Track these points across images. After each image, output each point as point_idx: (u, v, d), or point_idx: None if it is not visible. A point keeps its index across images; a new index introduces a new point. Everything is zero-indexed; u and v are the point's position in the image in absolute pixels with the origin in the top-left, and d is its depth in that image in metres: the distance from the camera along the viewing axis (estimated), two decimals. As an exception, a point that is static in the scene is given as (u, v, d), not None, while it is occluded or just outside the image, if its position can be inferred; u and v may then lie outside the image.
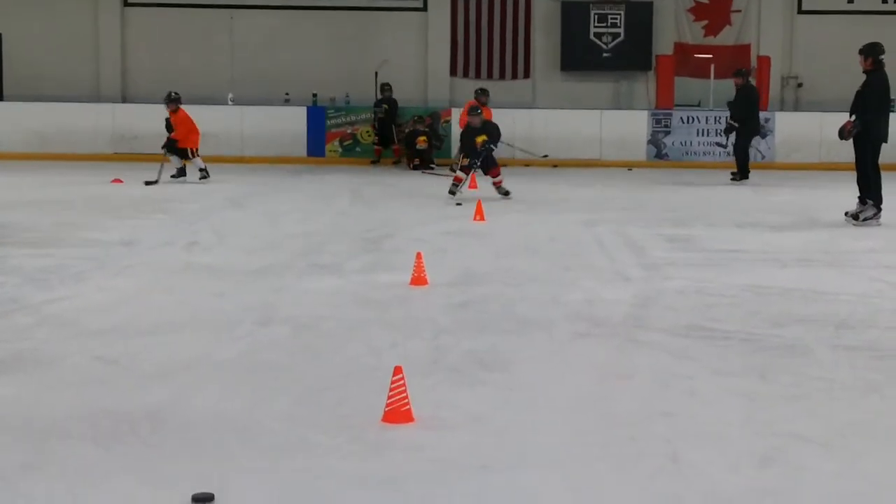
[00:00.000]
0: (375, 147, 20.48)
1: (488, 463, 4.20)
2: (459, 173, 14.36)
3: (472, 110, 14.75)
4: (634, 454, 4.31)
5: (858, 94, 11.92)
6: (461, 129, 15.31)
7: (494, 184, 14.29)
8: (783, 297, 7.72)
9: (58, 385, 5.28)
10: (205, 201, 13.82)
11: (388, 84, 20.63)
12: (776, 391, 5.32)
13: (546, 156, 19.04)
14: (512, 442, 4.48)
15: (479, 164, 14.17)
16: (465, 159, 14.27)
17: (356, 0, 22.29)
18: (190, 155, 16.82)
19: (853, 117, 11.92)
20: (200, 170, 16.64)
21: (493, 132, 14.31)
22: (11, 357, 5.79)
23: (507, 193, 14.20)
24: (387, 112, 20.28)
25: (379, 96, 20.64)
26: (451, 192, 13.99)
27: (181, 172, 16.76)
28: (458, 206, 13.12)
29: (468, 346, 6.13)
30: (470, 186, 15.52)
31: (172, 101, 17.06)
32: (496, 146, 14.44)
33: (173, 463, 4.16)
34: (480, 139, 13.99)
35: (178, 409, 4.87)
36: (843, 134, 11.96)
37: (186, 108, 17.20)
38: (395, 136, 20.34)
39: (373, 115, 20.53)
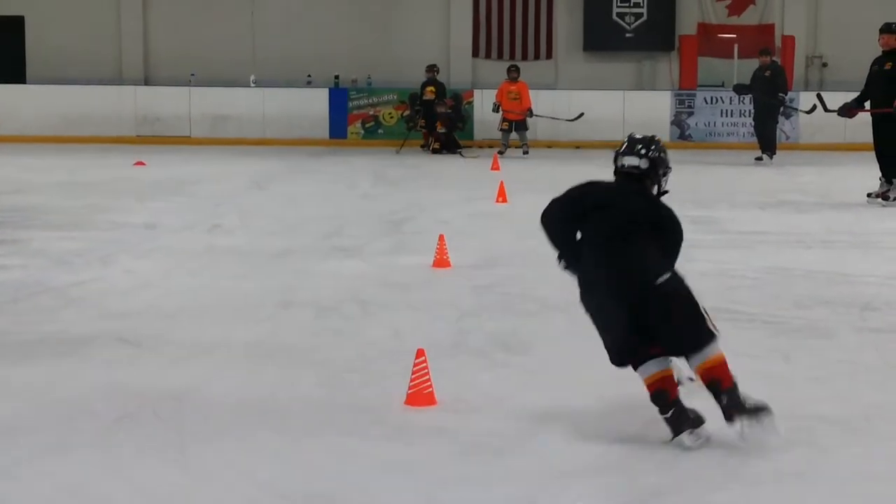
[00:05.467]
0: (423, 131, 19.42)
1: (510, 445, 4.21)
2: None
3: None
4: (656, 436, 4.30)
5: (889, 75, 11.79)
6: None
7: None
8: (807, 279, 7.69)
9: (83, 367, 5.32)
10: (227, 184, 13.85)
11: (435, 65, 19.88)
12: (799, 373, 5.31)
13: (582, 114, 18.97)
14: (534, 424, 4.48)
15: None
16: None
17: (378, -19, 22.25)
18: None
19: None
20: None
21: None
22: (37, 339, 5.83)
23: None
24: (436, 94, 19.55)
25: (425, 78, 19.69)
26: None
27: None
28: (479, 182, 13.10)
29: (491, 329, 6.14)
30: (492, 168, 15.53)
31: None
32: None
33: (197, 444, 4.19)
34: None
35: (202, 391, 4.90)
36: (845, 112, 12.07)
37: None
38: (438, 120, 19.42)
39: (416, 98, 19.70)
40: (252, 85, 21.31)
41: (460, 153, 18.54)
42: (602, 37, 22.21)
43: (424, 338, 5.75)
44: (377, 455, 4.10)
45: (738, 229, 10.12)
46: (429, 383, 4.69)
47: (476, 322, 6.30)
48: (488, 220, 10.67)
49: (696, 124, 20.77)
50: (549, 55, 22.38)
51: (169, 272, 7.88)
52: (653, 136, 4.76)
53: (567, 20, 22.33)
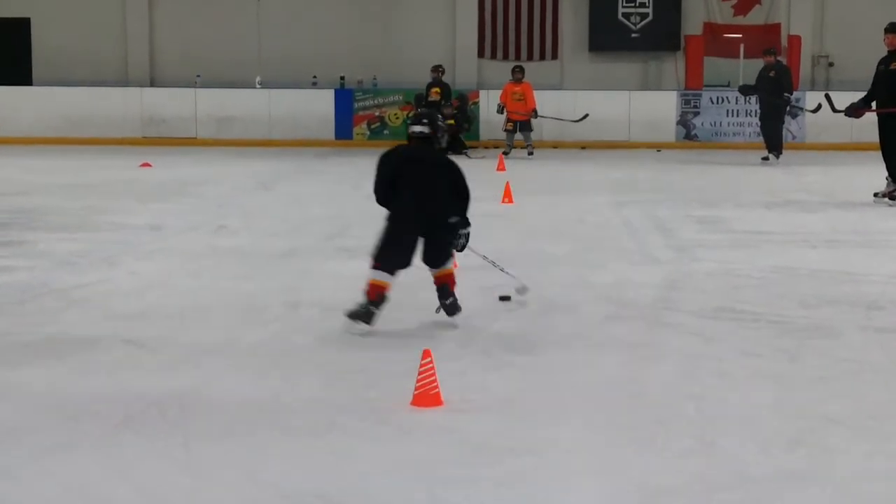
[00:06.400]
0: None
1: (516, 446, 4.20)
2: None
3: None
4: (663, 437, 4.30)
5: (893, 74, 11.78)
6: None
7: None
8: (812, 279, 7.68)
9: (87, 368, 5.32)
10: (232, 185, 13.85)
11: (441, 66, 19.90)
12: (805, 373, 5.29)
13: (587, 115, 18.95)
14: (540, 424, 4.47)
15: None
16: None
17: (383, -18, 22.26)
18: None
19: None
20: None
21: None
22: (42, 340, 5.83)
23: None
24: (441, 95, 19.53)
25: (430, 79, 19.66)
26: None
27: None
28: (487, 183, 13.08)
29: (497, 329, 6.13)
30: (498, 168, 15.53)
31: None
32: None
33: (201, 445, 4.18)
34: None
35: (207, 393, 4.89)
36: (852, 112, 12.08)
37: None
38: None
39: (422, 98, 19.58)
40: (258, 86, 21.32)
41: (466, 154, 18.51)
42: (607, 37, 22.19)
43: (430, 338, 5.75)
44: (383, 455, 4.09)
45: (744, 229, 10.11)
46: (435, 384, 4.68)
47: (482, 322, 6.29)
48: (494, 221, 10.63)
49: (702, 124, 20.75)
50: (554, 55, 22.37)
51: (173, 273, 7.88)
52: (431, 111, 6.81)
53: (572, 20, 22.32)
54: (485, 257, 7.04)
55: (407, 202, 6.21)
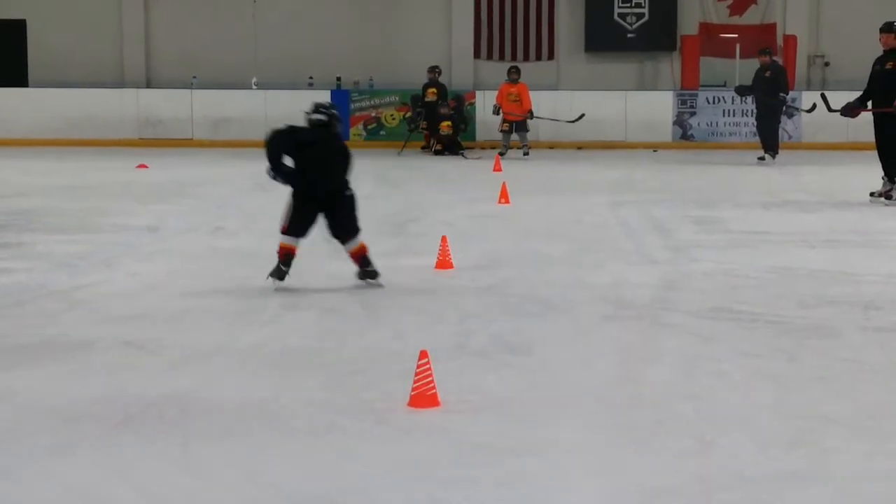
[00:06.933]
0: (425, 132, 19.39)
1: (514, 446, 4.21)
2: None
3: None
4: (661, 437, 4.30)
5: (891, 74, 11.78)
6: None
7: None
8: (811, 279, 7.68)
9: (86, 370, 5.32)
10: (229, 186, 13.84)
11: (437, 66, 19.87)
12: (804, 373, 5.30)
13: (583, 115, 18.96)
14: (538, 425, 4.48)
15: None
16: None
17: (379, -17, 22.26)
18: None
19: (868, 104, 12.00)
20: None
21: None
22: (41, 342, 5.83)
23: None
24: (437, 95, 19.56)
25: (427, 79, 19.70)
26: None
27: None
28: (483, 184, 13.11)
29: (494, 330, 6.13)
30: (494, 169, 15.54)
31: None
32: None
33: (201, 446, 4.18)
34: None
35: (206, 394, 4.89)
36: (848, 111, 12.09)
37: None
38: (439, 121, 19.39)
39: (419, 99, 19.67)
40: (254, 87, 21.32)
41: (462, 154, 18.53)
42: (604, 37, 22.20)
43: (427, 339, 5.75)
44: (381, 456, 4.09)
45: (742, 229, 10.12)
46: (432, 384, 4.68)
47: (479, 323, 6.30)
48: (491, 222, 10.67)
49: (699, 124, 20.76)
50: (550, 56, 22.38)
51: (172, 274, 7.88)
52: (330, 103, 7.84)
53: (568, 21, 22.33)
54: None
55: (307, 180, 7.28)
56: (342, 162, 7.42)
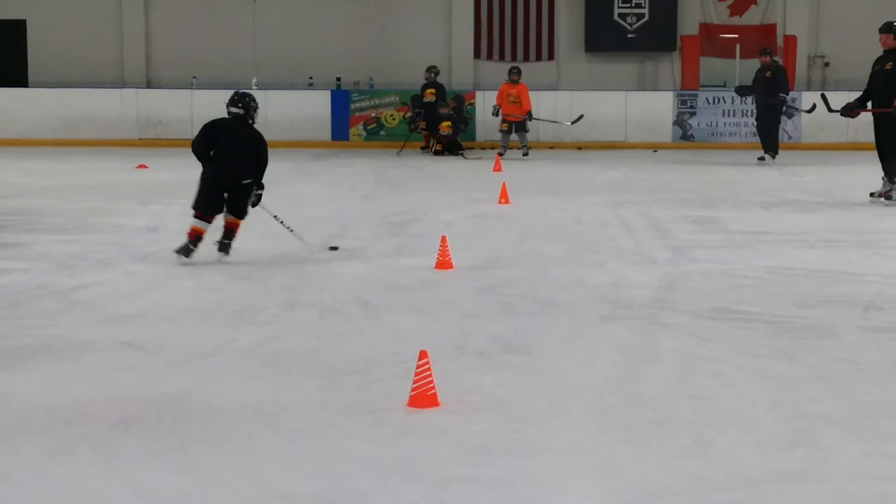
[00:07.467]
0: (424, 132, 19.39)
1: (513, 446, 4.21)
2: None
3: None
4: (660, 437, 4.30)
5: (890, 75, 11.78)
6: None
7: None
8: (809, 279, 7.68)
9: (84, 371, 5.31)
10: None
11: (435, 66, 19.83)
12: (802, 373, 5.30)
13: (581, 116, 18.95)
14: (537, 425, 4.48)
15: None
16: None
17: (379, -18, 22.26)
18: None
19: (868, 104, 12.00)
20: None
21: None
22: (39, 343, 5.83)
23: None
24: (436, 96, 19.46)
25: (425, 80, 19.65)
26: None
27: None
28: (482, 183, 13.11)
29: (493, 330, 6.13)
30: (494, 169, 15.54)
31: None
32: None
33: (199, 447, 4.18)
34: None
35: (204, 394, 4.89)
36: (848, 112, 12.10)
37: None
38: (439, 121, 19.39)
39: (418, 100, 19.64)
40: (254, 87, 21.28)
41: (462, 155, 18.53)
42: (604, 37, 22.22)
43: (427, 339, 5.75)
44: (380, 457, 4.09)
45: (741, 229, 10.12)
46: (431, 385, 4.68)
47: (479, 323, 6.30)
48: (490, 222, 10.67)
49: (699, 124, 20.76)
50: (550, 56, 22.38)
51: (171, 275, 7.88)
52: (248, 94, 8.46)
53: (568, 21, 22.34)
54: (275, 217, 8.73)
55: (217, 164, 8.19)
56: (252, 149, 8.27)
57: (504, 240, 9.48)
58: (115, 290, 7.31)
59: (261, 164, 8.35)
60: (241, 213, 8.29)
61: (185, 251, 8.11)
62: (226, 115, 8.38)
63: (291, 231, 8.73)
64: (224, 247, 8.26)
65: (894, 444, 4.25)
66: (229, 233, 8.28)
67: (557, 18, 22.32)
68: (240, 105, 8.28)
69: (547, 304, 6.85)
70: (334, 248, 8.77)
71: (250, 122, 8.33)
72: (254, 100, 8.42)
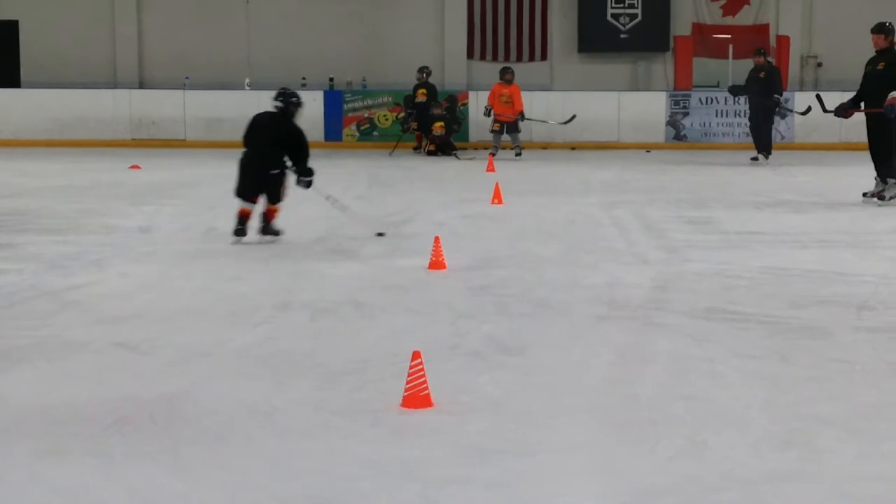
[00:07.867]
0: (416, 133, 19.43)
1: (508, 447, 4.20)
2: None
3: None
4: (655, 437, 4.30)
5: (882, 75, 11.79)
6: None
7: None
8: (803, 279, 7.69)
9: (78, 371, 5.30)
10: (222, 187, 13.78)
11: (427, 67, 19.84)
12: (797, 373, 5.30)
13: (573, 116, 18.95)
14: (531, 426, 4.47)
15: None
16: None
17: (372, -17, 22.25)
18: None
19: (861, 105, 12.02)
20: None
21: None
22: (32, 344, 5.81)
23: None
24: (427, 96, 19.38)
25: (416, 80, 19.67)
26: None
27: None
28: (475, 185, 13.10)
29: (487, 331, 6.13)
30: (487, 170, 15.54)
31: None
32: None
33: (193, 448, 4.17)
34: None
35: (198, 395, 4.88)
36: (841, 112, 12.11)
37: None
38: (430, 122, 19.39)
39: (410, 100, 19.69)
40: (247, 87, 21.29)
41: (455, 155, 18.52)
42: (597, 38, 22.22)
43: (421, 340, 5.74)
44: (374, 457, 4.08)
45: (735, 229, 10.12)
46: (425, 385, 4.67)
47: (472, 324, 6.29)
48: (484, 222, 10.66)
49: (692, 125, 20.78)
50: (543, 56, 22.39)
51: (164, 275, 7.87)
52: (290, 91, 9.34)
53: (562, 21, 22.34)
54: (328, 197, 9.69)
55: (249, 153, 9.20)
56: (284, 142, 9.12)
57: (497, 240, 9.48)
58: (108, 291, 7.29)
59: (300, 156, 9.16)
60: (273, 200, 9.12)
61: (240, 232, 8.99)
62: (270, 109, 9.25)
63: (345, 211, 9.76)
64: (263, 229, 9.11)
65: (889, 445, 4.26)
66: (264, 217, 9.14)
67: (550, 19, 22.32)
68: (280, 100, 9.18)
69: (541, 304, 6.85)
70: (381, 235, 9.42)
71: (290, 117, 9.16)
72: (295, 96, 9.24)
